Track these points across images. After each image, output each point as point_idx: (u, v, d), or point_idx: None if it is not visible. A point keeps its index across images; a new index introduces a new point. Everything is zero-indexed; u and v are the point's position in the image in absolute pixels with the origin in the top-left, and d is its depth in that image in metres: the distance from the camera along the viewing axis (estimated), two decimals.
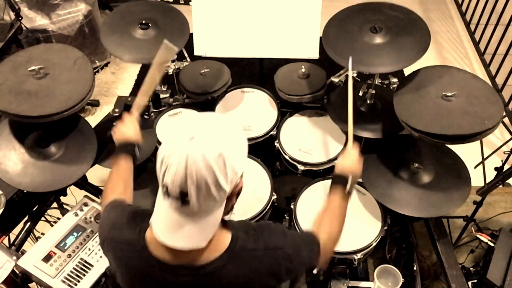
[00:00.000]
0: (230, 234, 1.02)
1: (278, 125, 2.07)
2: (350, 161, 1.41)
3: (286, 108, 2.16)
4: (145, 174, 1.95)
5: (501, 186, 1.83)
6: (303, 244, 1.11)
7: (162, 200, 0.95)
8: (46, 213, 1.97)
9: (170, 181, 0.89)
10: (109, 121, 1.94)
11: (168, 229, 0.95)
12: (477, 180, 1.93)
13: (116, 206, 1.16)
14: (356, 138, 2.03)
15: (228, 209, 1.03)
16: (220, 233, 1.01)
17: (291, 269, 1.06)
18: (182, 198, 0.90)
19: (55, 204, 1.96)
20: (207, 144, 0.88)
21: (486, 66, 3.34)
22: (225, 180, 0.91)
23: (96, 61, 3.44)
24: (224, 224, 1.03)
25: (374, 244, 1.72)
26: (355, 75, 2.09)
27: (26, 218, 1.86)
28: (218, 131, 0.93)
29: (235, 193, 0.99)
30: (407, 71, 1.76)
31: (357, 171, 1.40)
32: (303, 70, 2.08)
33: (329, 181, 1.90)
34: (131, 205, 1.21)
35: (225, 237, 1.01)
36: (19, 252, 1.68)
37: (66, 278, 1.56)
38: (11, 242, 1.80)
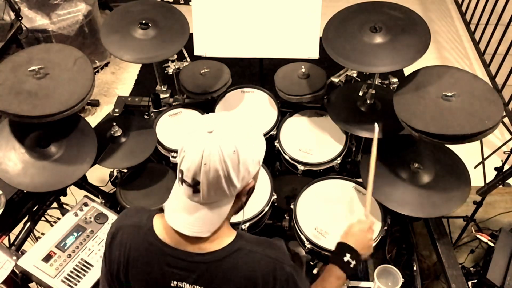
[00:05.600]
0: (235, 233, 1.06)
1: (278, 125, 2.07)
2: (360, 231, 1.34)
3: (286, 108, 2.16)
4: (145, 174, 1.96)
5: (501, 186, 1.83)
6: (302, 279, 1.09)
7: (178, 186, 1.02)
8: (46, 213, 1.97)
9: (186, 167, 0.95)
10: (109, 121, 1.94)
11: (176, 213, 1.01)
12: (477, 180, 1.93)
13: (128, 208, 1.24)
14: (356, 138, 2.05)
15: (237, 208, 1.08)
16: (226, 230, 1.06)
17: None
18: (194, 186, 0.96)
19: (55, 204, 1.96)
20: (225, 138, 0.95)
21: (486, 66, 3.34)
22: (237, 176, 0.96)
23: (96, 61, 3.44)
24: (232, 227, 1.08)
25: (374, 244, 1.72)
26: (355, 75, 2.09)
27: (26, 218, 1.86)
28: (237, 129, 0.99)
29: (245, 192, 1.04)
30: (407, 71, 1.76)
31: (364, 247, 1.32)
32: (303, 70, 2.08)
33: (329, 181, 1.93)
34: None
35: (230, 234, 1.06)
36: (19, 252, 1.68)
37: (66, 278, 1.56)
38: (11, 242, 1.80)
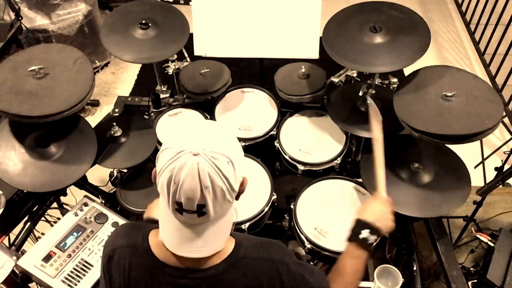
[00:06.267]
0: (234, 241, 1.03)
1: (278, 125, 2.07)
2: (377, 205, 1.27)
3: (286, 108, 2.16)
4: (145, 174, 1.96)
5: (501, 186, 1.82)
6: (312, 272, 1.07)
7: (172, 217, 0.95)
8: (46, 213, 1.97)
9: (185, 197, 0.89)
10: (109, 121, 1.94)
11: (184, 243, 0.96)
12: (477, 180, 1.93)
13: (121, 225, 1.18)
14: (356, 138, 2.05)
15: None
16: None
17: (294, 287, 1.03)
18: (199, 210, 0.91)
19: (55, 204, 1.96)
20: (214, 154, 0.88)
21: (486, 66, 3.34)
22: (236, 183, 0.94)
23: (96, 61, 3.44)
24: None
25: (374, 244, 1.72)
26: (355, 75, 2.09)
27: (26, 218, 1.86)
28: (218, 138, 0.93)
29: (241, 192, 1.01)
30: (407, 71, 1.76)
31: (383, 220, 1.23)
32: (303, 70, 2.08)
33: (329, 181, 1.93)
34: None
35: (228, 244, 1.02)
36: (19, 252, 1.68)
37: (66, 278, 1.56)
38: (11, 242, 1.80)
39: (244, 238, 1.06)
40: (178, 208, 0.91)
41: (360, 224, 1.23)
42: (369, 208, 1.27)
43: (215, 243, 0.97)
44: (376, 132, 1.45)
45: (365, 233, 1.20)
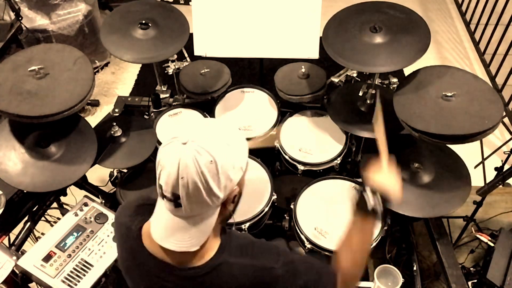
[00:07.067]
0: (218, 244, 1.02)
1: (278, 125, 2.07)
2: (388, 176, 1.19)
3: (286, 108, 2.16)
4: (145, 174, 1.96)
5: (501, 186, 1.82)
6: (309, 269, 1.06)
7: (160, 200, 0.97)
8: (46, 213, 1.97)
9: (164, 182, 0.91)
10: (109, 121, 1.94)
11: (162, 230, 0.98)
12: (477, 180, 1.93)
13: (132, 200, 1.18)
14: (356, 138, 2.05)
15: (225, 216, 1.03)
16: (212, 241, 1.01)
17: None
18: (175, 200, 0.91)
19: (55, 204, 1.96)
20: (200, 148, 0.89)
21: (486, 66, 3.34)
22: (218, 186, 0.91)
23: (96, 61, 3.44)
24: (223, 231, 1.05)
25: (374, 244, 1.72)
26: (355, 75, 2.09)
27: (26, 218, 1.86)
28: (213, 137, 0.93)
29: (230, 200, 0.98)
30: (407, 71, 1.76)
31: (387, 182, 1.16)
32: (303, 70, 2.08)
33: (329, 181, 1.92)
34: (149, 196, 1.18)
35: (214, 246, 1.02)
36: (19, 252, 1.68)
37: (66, 278, 1.56)
38: (11, 242, 1.80)
39: (235, 239, 1.05)
40: (161, 192, 0.94)
41: (362, 187, 1.16)
42: (376, 177, 1.18)
43: (186, 242, 0.96)
44: (379, 118, 1.39)
45: (366, 194, 1.14)
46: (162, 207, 0.97)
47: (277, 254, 1.04)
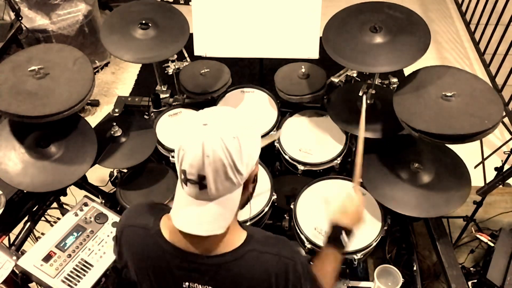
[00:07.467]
0: (245, 233, 1.04)
1: (278, 125, 2.07)
2: (353, 207, 1.33)
3: (286, 108, 2.16)
4: (145, 174, 1.96)
5: (501, 186, 1.82)
6: (312, 276, 1.10)
7: (181, 189, 0.98)
8: (46, 213, 1.97)
9: (188, 165, 0.92)
10: (109, 121, 1.94)
11: (187, 217, 0.98)
12: (477, 180, 1.93)
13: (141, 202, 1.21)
14: (356, 138, 2.04)
15: (245, 199, 1.06)
16: (236, 230, 1.04)
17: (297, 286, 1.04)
18: (200, 181, 0.93)
19: (55, 204, 1.96)
20: (222, 127, 0.93)
21: (486, 66, 3.34)
22: (241, 163, 0.94)
23: (96, 61, 3.44)
24: (241, 225, 1.07)
25: (374, 244, 1.72)
26: (355, 75, 2.09)
27: (26, 218, 1.86)
28: (230, 117, 0.97)
29: (251, 179, 1.02)
30: (407, 71, 1.76)
31: (355, 221, 1.32)
32: (303, 70, 2.08)
33: (329, 181, 1.93)
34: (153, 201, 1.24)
35: (240, 234, 1.04)
36: (19, 252, 1.68)
37: (66, 278, 1.56)
38: (11, 242, 1.80)
39: (257, 231, 1.08)
40: (184, 178, 0.95)
41: (337, 229, 1.29)
42: (347, 214, 1.32)
43: (212, 225, 0.97)
44: (361, 130, 1.54)
45: (342, 237, 1.28)
46: (183, 196, 0.98)
47: (297, 253, 1.08)
